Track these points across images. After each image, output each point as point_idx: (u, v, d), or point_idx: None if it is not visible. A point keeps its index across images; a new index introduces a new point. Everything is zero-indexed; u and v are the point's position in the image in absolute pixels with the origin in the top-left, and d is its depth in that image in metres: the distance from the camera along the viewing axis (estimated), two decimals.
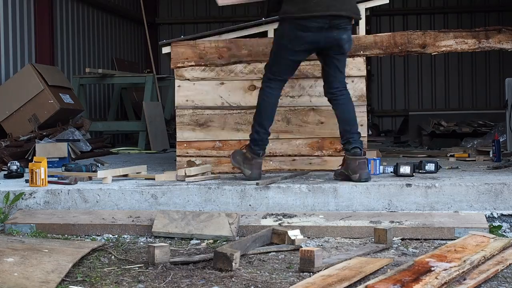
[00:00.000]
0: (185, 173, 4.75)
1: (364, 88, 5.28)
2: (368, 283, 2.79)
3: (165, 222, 4.03)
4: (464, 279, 2.98)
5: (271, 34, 5.41)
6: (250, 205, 4.43)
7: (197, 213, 4.13)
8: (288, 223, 4.07)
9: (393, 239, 3.84)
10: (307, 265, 3.21)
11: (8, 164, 5.32)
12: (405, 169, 4.80)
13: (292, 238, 3.74)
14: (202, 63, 5.29)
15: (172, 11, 13.50)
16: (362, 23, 5.33)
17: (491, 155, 5.99)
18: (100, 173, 4.80)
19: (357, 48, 5.22)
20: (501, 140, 6.29)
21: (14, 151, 6.28)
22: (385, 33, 5.32)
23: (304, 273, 3.20)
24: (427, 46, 5.22)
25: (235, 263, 3.23)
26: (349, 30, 4.71)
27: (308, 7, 4.56)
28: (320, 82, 5.26)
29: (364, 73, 5.27)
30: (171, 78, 9.58)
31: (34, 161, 4.70)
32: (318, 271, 3.14)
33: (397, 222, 4.03)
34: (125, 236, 4.12)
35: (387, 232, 3.69)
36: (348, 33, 4.70)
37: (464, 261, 3.13)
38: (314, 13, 4.56)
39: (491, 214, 4.26)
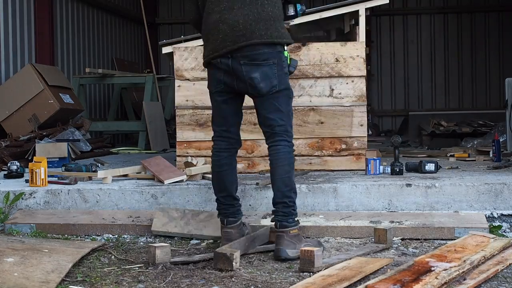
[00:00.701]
0: (186, 174, 4.75)
1: (364, 88, 5.28)
2: (368, 283, 2.79)
3: (165, 220, 4.03)
4: (464, 279, 2.98)
5: None
6: (250, 205, 4.43)
7: (197, 212, 4.13)
8: None
9: (393, 239, 3.84)
10: (307, 265, 3.21)
11: (8, 164, 5.32)
12: (430, 167, 4.93)
13: None
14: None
15: (172, 11, 13.50)
16: (362, 23, 5.33)
17: (491, 155, 5.99)
18: (100, 173, 4.80)
19: None
20: (501, 140, 6.29)
21: (14, 151, 6.28)
22: None
23: (304, 273, 3.20)
24: None
25: (236, 263, 3.23)
26: (265, 66, 3.62)
27: (214, 47, 3.68)
28: (320, 82, 5.27)
29: (364, 73, 5.27)
30: (171, 78, 9.58)
31: (34, 161, 4.69)
32: (318, 271, 3.14)
33: (397, 222, 4.03)
34: (125, 236, 4.12)
35: (387, 232, 3.69)
36: (262, 69, 3.61)
37: (464, 261, 3.13)
38: (215, 53, 3.66)
39: (491, 214, 4.26)
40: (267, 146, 3.77)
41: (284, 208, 3.62)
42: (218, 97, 3.75)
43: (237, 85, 3.67)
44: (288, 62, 3.73)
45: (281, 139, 3.73)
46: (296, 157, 5.24)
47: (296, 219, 3.63)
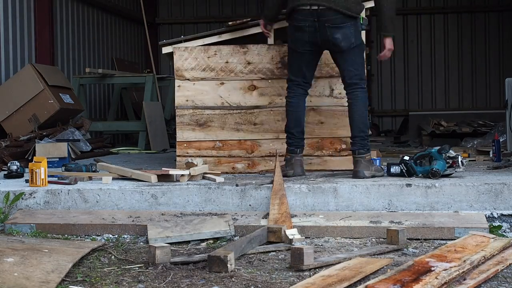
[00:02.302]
0: (190, 173, 4.74)
1: None
2: (368, 283, 2.80)
3: (159, 230, 3.99)
4: (464, 279, 2.98)
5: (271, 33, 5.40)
6: (250, 205, 4.43)
7: (189, 219, 4.11)
8: None
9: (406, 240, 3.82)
10: (296, 262, 3.24)
11: (8, 164, 5.31)
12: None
13: (290, 237, 3.74)
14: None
15: (172, 11, 13.50)
16: None
17: (491, 155, 5.99)
18: (102, 172, 4.79)
19: None
20: (501, 140, 6.29)
21: (14, 151, 6.28)
22: None
23: (305, 273, 3.20)
24: None
25: (231, 265, 3.22)
26: (344, 28, 4.71)
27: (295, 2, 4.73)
28: (320, 82, 5.27)
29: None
30: (171, 78, 9.57)
31: (34, 161, 4.69)
32: (309, 269, 3.17)
33: (397, 222, 4.03)
34: (125, 236, 4.12)
35: (399, 233, 3.67)
36: (342, 31, 4.71)
37: (464, 261, 3.13)
38: (300, 6, 4.69)
39: (491, 214, 4.26)
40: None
41: (361, 140, 4.80)
42: (299, 56, 4.83)
43: (321, 44, 4.77)
44: (361, 21, 4.83)
45: (356, 87, 4.82)
46: None
47: (368, 148, 4.82)
